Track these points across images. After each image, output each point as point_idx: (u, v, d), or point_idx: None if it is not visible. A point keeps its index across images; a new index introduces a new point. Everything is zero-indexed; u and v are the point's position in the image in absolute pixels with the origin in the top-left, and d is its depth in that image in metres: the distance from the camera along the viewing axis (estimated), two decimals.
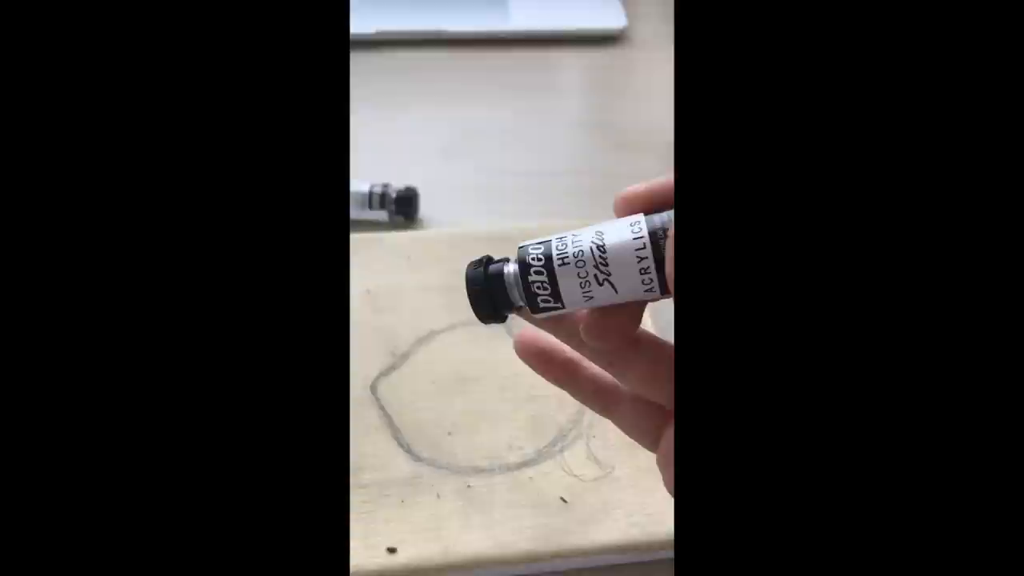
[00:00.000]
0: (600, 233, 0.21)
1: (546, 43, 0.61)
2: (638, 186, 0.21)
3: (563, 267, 0.21)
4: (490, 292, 0.22)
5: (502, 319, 0.22)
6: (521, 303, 0.22)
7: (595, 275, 0.20)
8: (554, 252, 0.21)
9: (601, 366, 0.23)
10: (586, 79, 0.62)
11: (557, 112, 0.56)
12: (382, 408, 0.34)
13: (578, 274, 0.20)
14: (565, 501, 0.30)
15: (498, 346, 0.36)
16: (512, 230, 0.41)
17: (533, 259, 0.21)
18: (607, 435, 0.32)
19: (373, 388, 0.34)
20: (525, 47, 0.61)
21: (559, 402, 0.33)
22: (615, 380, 0.24)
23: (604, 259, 0.20)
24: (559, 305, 0.21)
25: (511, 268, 0.22)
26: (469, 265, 0.22)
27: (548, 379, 0.25)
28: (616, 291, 0.20)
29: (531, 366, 0.25)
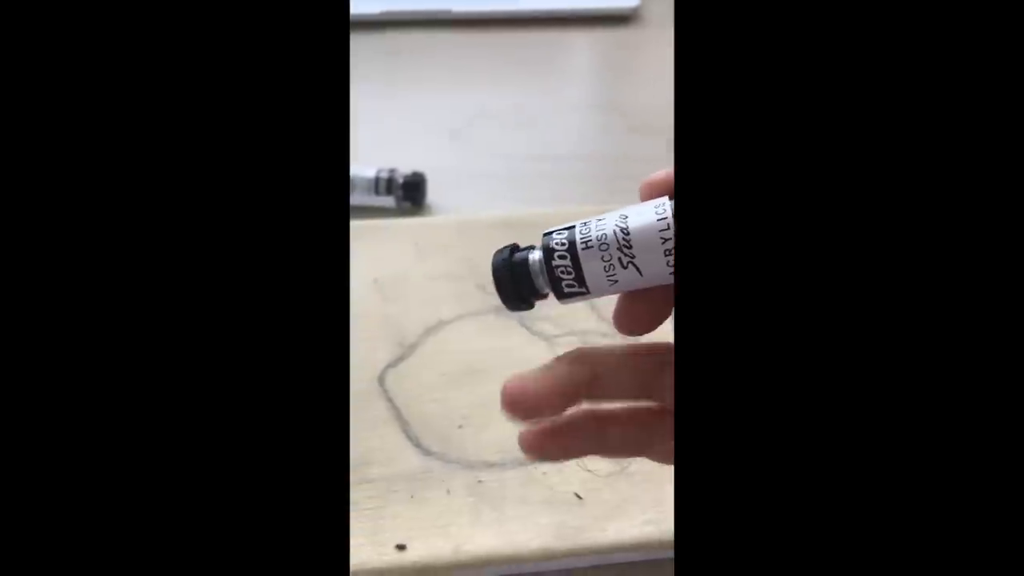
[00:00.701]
0: (624, 216, 0.20)
1: (557, 22, 0.60)
2: (661, 173, 0.21)
3: (586, 251, 0.20)
4: (515, 278, 0.22)
5: (529, 305, 0.22)
6: (547, 289, 0.22)
7: (619, 258, 0.20)
8: (577, 237, 0.21)
9: (639, 397, 0.22)
10: (598, 60, 0.60)
11: (568, 94, 0.55)
12: (390, 400, 0.33)
13: (602, 257, 0.20)
14: (579, 497, 0.29)
15: (508, 336, 0.35)
16: (523, 216, 0.40)
17: (557, 244, 0.21)
18: None
19: (381, 380, 0.33)
20: (535, 27, 0.59)
21: None
22: (644, 420, 0.23)
23: (628, 241, 0.20)
24: (583, 290, 0.21)
25: (536, 255, 0.22)
26: (495, 253, 0.22)
27: (576, 451, 0.23)
28: (641, 274, 0.20)
29: (552, 453, 0.23)
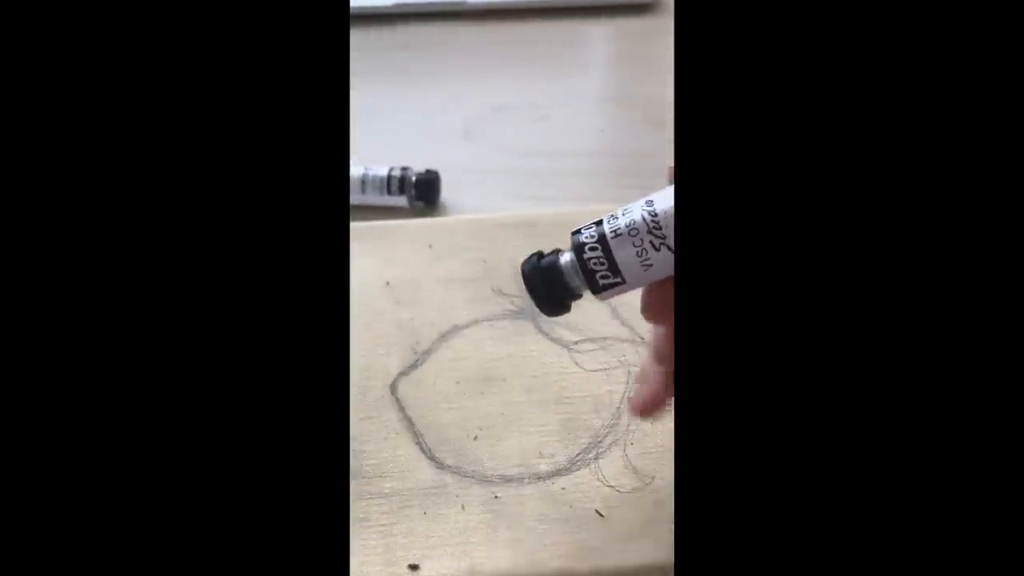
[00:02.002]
0: (649, 202, 0.21)
1: (575, 12, 0.58)
2: None
3: (617, 239, 0.21)
4: (547, 283, 0.22)
5: (566, 308, 0.23)
6: (582, 289, 0.22)
7: (651, 241, 0.21)
8: (607, 228, 0.21)
9: None
10: (618, 51, 0.58)
11: (587, 87, 0.53)
12: (403, 410, 0.31)
13: (633, 243, 0.21)
14: (601, 515, 0.28)
15: (525, 342, 0.33)
16: (539, 215, 0.38)
17: (587, 238, 0.21)
18: (646, 441, 0.30)
19: (393, 388, 0.32)
20: (552, 17, 0.58)
21: (594, 404, 0.31)
22: None
23: (657, 223, 0.20)
24: (619, 280, 0.21)
25: (566, 256, 0.22)
26: (524, 262, 0.23)
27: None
28: (675, 253, 0.21)
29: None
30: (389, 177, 0.42)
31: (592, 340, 0.33)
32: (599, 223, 0.21)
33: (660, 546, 0.27)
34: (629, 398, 0.24)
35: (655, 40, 0.57)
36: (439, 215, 0.42)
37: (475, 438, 0.30)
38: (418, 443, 0.30)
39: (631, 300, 0.34)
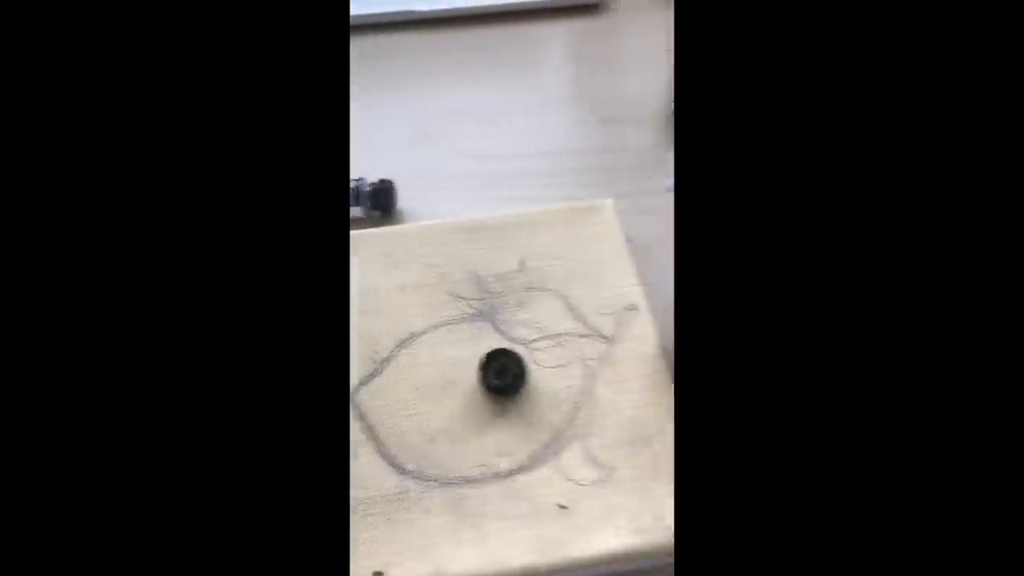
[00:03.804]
0: None
1: (525, 16, 0.58)
2: None
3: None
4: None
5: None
6: None
7: None
8: None
9: None
10: (569, 51, 0.59)
11: (539, 88, 0.54)
12: (363, 419, 0.31)
13: None
14: (563, 508, 0.28)
15: (482, 344, 0.33)
16: (489, 220, 0.38)
17: None
18: (606, 433, 0.30)
19: (353, 398, 0.32)
20: (502, 22, 0.58)
21: (551, 399, 0.31)
22: None
23: None
24: None
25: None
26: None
27: None
28: None
29: None
30: None
31: (549, 337, 0.33)
32: None
33: (622, 533, 0.27)
34: None
35: (605, 40, 0.58)
36: (398, 223, 0.42)
37: (435, 441, 0.30)
38: (379, 452, 0.30)
39: (586, 296, 0.35)
